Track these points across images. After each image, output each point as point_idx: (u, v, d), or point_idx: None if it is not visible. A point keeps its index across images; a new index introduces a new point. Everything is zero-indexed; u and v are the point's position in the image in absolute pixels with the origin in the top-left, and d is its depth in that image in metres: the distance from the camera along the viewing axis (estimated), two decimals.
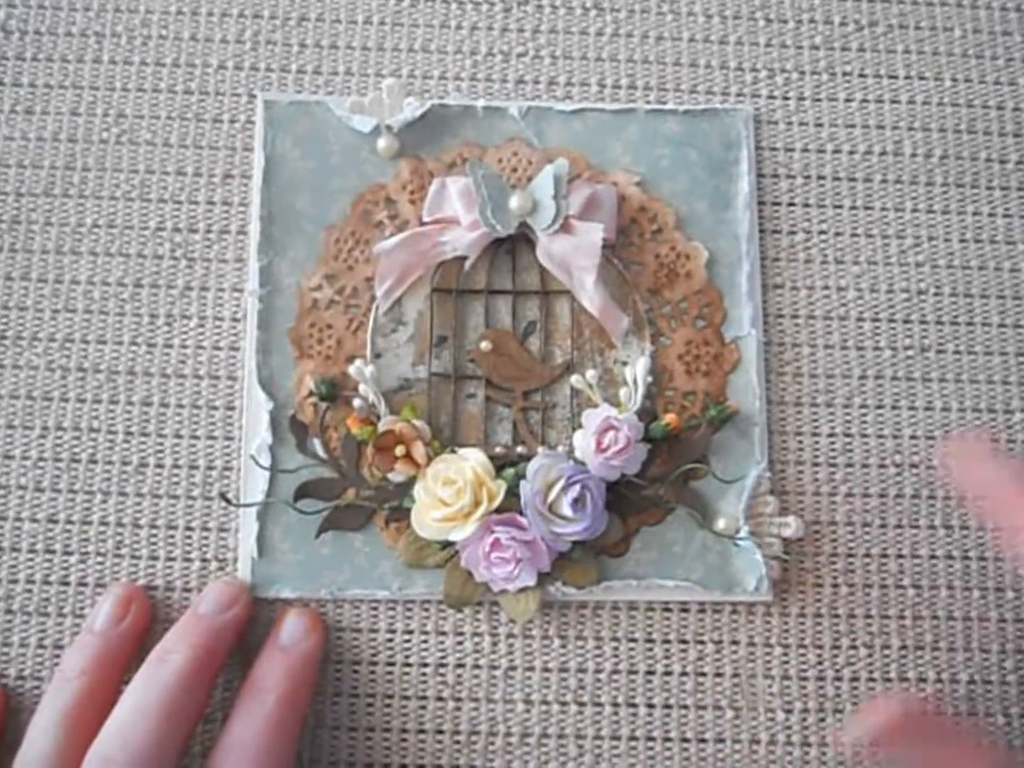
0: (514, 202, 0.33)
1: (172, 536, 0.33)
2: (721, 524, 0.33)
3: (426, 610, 0.32)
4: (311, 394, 0.33)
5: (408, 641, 0.32)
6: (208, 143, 0.35)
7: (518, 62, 0.36)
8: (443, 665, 0.32)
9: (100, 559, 0.32)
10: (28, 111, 0.35)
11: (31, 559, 0.32)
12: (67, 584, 0.32)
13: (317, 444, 0.33)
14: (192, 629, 0.29)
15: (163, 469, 0.33)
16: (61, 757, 0.28)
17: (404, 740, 0.32)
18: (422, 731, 0.32)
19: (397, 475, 0.32)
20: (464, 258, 0.34)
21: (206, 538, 0.33)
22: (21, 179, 0.35)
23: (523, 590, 0.32)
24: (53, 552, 0.32)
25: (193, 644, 0.29)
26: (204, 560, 0.32)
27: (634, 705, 0.32)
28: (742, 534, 0.32)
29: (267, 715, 0.28)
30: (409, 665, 0.32)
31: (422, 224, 0.34)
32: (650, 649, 0.32)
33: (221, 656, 0.30)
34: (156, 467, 0.33)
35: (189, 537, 0.33)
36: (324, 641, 0.31)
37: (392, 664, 0.32)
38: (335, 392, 0.33)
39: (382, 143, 0.34)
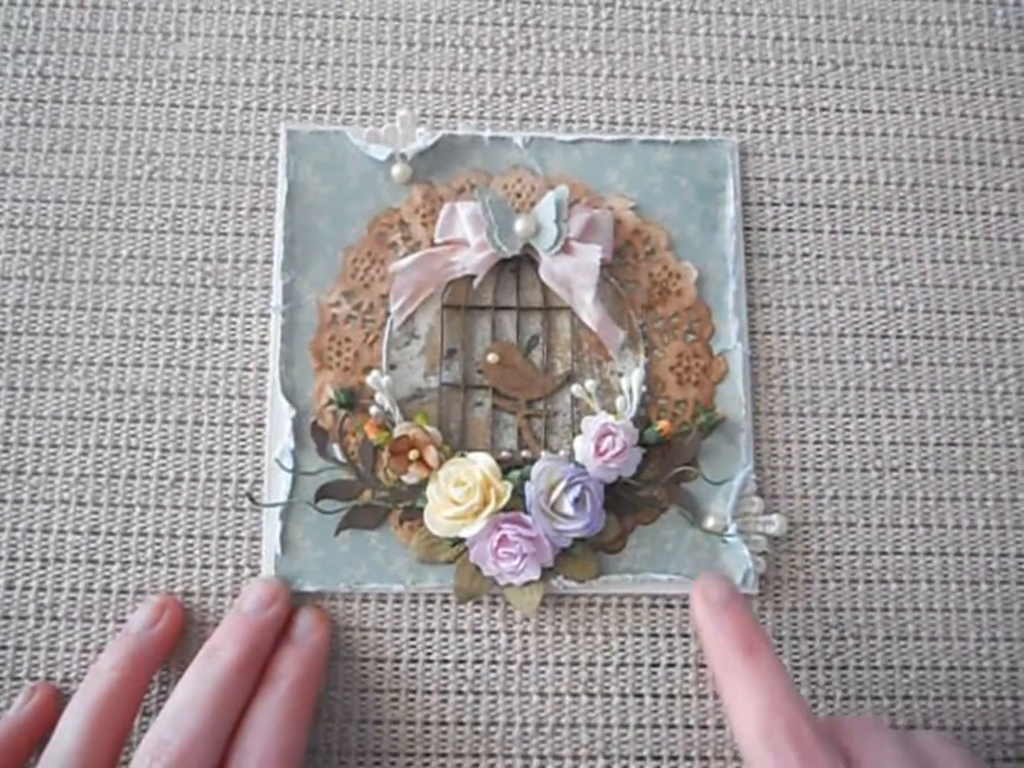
0: (519, 225, 0.35)
1: (207, 545, 0.35)
2: (710, 523, 0.35)
3: (446, 610, 0.34)
4: (330, 402, 0.35)
5: (429, 639, 0.34)
6: (235, 179, 0.37)
7: (522, 101, 0.38)
8: (462, 661, 0.34)
9: (140, 568, 0.34)
10: (65, 150, 0.37)
11: (75, 568, 0.34)
12: (109, 592, 0.34)
13: (336, 449, 0.35)
14: (238, 627, 0.31)
15: (197, 483, 0.35)
16: (90, 744, 0.29)
17: (427, 732, 0.34)
18: (444, 723, 0.34)
19: (411, 477, 0.34)
20: (472, 277, 0.35)
21: (238, 546, 0.35)
22: (60, 214, 0.37)
23: (528, 583, 0.33)
24: (95, 562, 0.34)
25: (239, 640, 0.31)
26: (237, 567, 0.34)
27: (640, 695, 0.34)
28: (730, 532, 0.34)
29: (281, 700, 0.30)
30: (430, 662, 0.34)
31: (433, 245, 0.36)
32: (654, 643, 0.35)
33: (265, 650, 0.32)
34: (191, 481, 0.35)
35: (223, 546, 0.35)
36: (330, 633, 0.34)
37: (415, 661, 0.34)
38: (353, 400, 0.35)
39: (396, 170, 0.36)
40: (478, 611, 0.35)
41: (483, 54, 0.39)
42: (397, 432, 0.34)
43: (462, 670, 0.34)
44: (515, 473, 0.34)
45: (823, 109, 0.39)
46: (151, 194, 0.37)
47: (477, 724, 0.34)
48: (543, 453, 0.34)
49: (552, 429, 0.36)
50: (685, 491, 0.35)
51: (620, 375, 0.36)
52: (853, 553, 0.35)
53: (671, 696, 0.34)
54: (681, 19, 0.40)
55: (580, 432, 0.34)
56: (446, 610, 0.34)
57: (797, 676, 0.35)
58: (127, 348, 0.36)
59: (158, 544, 0.35)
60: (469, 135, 0.38)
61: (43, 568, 0.34)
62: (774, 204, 0.38)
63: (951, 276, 0.38)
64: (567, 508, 0.33)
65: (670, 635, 0.35)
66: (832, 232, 0.38)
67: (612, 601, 0.35)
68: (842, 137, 0.39)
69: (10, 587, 0.34)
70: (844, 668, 0.35)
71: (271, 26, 0.39)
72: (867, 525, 0.36)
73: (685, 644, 0.35)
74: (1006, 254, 0.38)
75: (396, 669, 0.34)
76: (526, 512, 0.33)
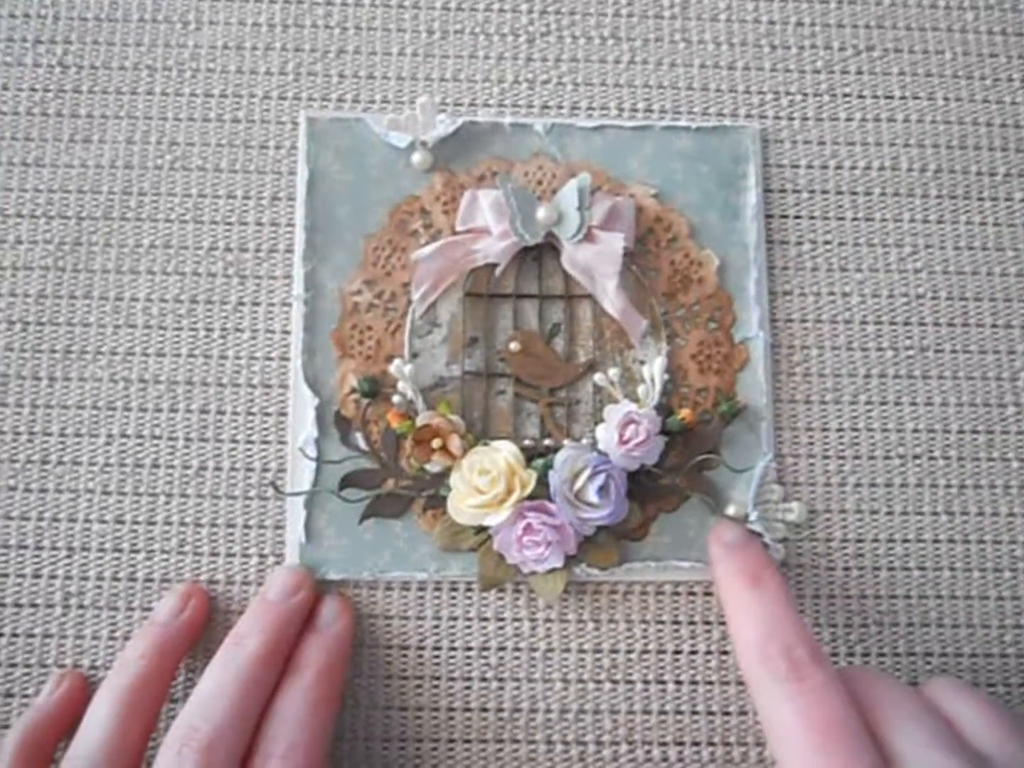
0: (541, 213, 0.35)
1: (231, 534, 0.35)
2: (732, 510, 0.35)
3: (469, 597, 0.35)
4: (353, 391, 0.35)
5: (453, 626, 0.34)
6: (255, 167, 0.37)
7: (542, 88, 0.38)
8: (486, 648, 0.34)
9: (164, 556, 0.35)
10: (86, 140, 0.37)
11: (100, 557, 0.35)
12: (134, 580, 0.34)
13: (359, 437, 0.35)
14: (263, 615, 0.32)
15: (221, 472, 0.35)
16: (119, 732, 0.30)
17: (451, 718, 0.34)
18: (468, 709, 0.34)
19: (434, 466, 0.34)
20: (494, 265, 0.35)
21: (262, 535, 0.35)
22: (82, 204, 0.37)
23: (551, 571, 0.34)
24: (121, 551, 0.35)
25: (264, 629, 0.31)
26: (261, 555, 0.35)
27: (663, 682, 0.34)
28: (751, 519, 0.35)
29: (306, 688, 0.31)
30: (454, 649, 0.34)
31: (455, 233, 0.36)
32: (677, 630, 0.35)
33: (290, 638, 0.32)
34: (214, 470, 0.35)
35: (247, 534, 0.35)
36: (354, 621, 0.34)
37: (439, 648, 0.34)
38: (376, 389, 0.35)
39: (417, 158, 0.36)
40: (501, 599, 0.35)
41: (503, 41, 0.39)
42: (420, 421, 0.34)
43: (486, 657, 0.34)
44: (538, 461, 0.34)
45: (845, 95, 0.39)
46: (172, 184, 0.37)
47: (501, 710, 0.34)
48: (566, 441, 0.34)
49: (574, 417, 0.36)
50: (707, 479, 0.35)
51: (642, 363, 0.36)
52: (876, 541, 0.36)
53: (694, 683, 0.34)
54: (702, 5, 0.39)
55: (603, 420, 0.34)
56: (469, 598, 0.35)
57: None
58: (150, 338, 0.36)
59: (183, 533, 0.35)
60: (490, 122, 0.37)
61: (69, 557, 0.34)
62: (796, 191, 0.38)
63: (974, 263, 0.38)
64: (592, 496, 0.33)
65: (692, 622, 0.35)
66: (854, 219, 0.38)
67: (635, 588, 0.35)
68: (864, 123, 0.39)
69: (37, 575, 0.34)
70: (867, 655, 0.35)
71: (290, 14, 0.39)
72: (889, 513, 0.36)
73: (708, 631, 0.35)
74: None
75: (420, 656, 0.34)
76: (550, 500, 0.33)
